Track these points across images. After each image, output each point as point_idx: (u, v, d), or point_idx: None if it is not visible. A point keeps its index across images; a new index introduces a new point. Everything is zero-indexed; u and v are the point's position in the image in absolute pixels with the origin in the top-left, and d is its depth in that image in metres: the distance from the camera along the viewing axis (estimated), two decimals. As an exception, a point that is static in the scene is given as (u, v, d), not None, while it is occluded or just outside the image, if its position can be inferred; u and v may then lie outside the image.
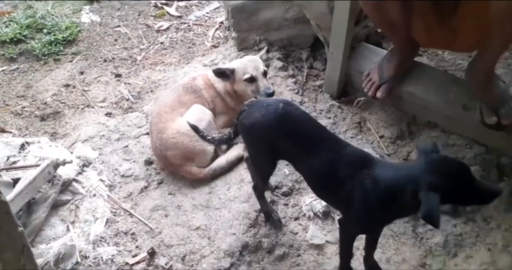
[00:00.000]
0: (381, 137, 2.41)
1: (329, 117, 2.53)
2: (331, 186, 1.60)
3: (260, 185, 1.99)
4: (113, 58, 3.26)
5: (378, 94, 2.31)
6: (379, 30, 2.72)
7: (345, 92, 2.68)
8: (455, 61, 2.72)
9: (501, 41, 1.80)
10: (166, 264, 1.90)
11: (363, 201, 1.49)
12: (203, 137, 1.98)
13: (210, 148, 2.28)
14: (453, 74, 2.56)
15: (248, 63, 2.38)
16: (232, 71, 2.35)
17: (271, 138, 1.68)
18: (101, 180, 2.26)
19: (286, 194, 2.19)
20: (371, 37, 2.79)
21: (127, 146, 2.45)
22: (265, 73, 2.38)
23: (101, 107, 2.83)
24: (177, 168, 2.26)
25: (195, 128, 1.99)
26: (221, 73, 2.36)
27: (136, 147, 2.45)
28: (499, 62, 2.61)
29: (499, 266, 1.89)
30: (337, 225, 1.76)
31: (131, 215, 2.13)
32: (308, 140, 1.63)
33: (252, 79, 2.33)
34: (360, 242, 1.88)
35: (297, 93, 2.68)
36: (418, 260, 1.95)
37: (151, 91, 2.92)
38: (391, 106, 2.49)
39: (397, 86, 2.30)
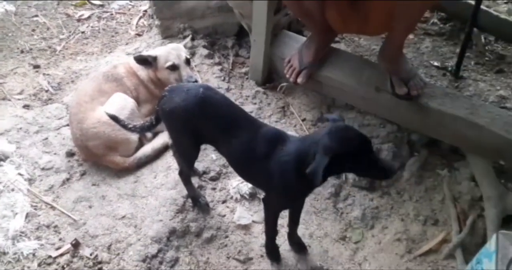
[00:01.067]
0: (303, 120, 2.50)
1: (255, 103, 2.59)
2: (250, 165, 1.65)
3: (186, 170, 2.01)
4: (31, 49, 3.10)
5: (299, 79, 2.39)
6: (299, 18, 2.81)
7: (270, 78, 2.74)
8: (370, 46, 2.88)
9: (406, 24, 1.96)
10: (91, 255, 1.86)
11: (279, 175, 1.55)
12: (124, 126, 1.94)
13: (134, 137, 2.25)
14: (368, 58, 2.70)
15: (171, 51, 2.37)
16: (154, 58, 2.33)
17: (192, 122, 1.70)
18: (20, 174, 2.15)
19: (213, 179, 2.22)
20: (293, 25, 2.87)
21: (46, 138, 2.35)
22: (188, 62, 2.38)
23: (18, 99, 2.69)
24: (100, 158, 2.21)
25: (114, 118, 1.93)
26: (143, 61, 2.33)
27: (57, 139, 2.36)
28: (409, 47, 2.80)
29: (411, 234, 2.05)
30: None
31: (53, 208, 2.06)
32: (227, 123, 1.66)
33: (174, 67, 2.32)
34: (284, 220, 1.95)
35: (223, 80, 2.70)
36: (339, 234, 2.06)
37: (72, 81, 2.82)
38: (312, 90, 2.58)
39: (316, 71, 2.39)
